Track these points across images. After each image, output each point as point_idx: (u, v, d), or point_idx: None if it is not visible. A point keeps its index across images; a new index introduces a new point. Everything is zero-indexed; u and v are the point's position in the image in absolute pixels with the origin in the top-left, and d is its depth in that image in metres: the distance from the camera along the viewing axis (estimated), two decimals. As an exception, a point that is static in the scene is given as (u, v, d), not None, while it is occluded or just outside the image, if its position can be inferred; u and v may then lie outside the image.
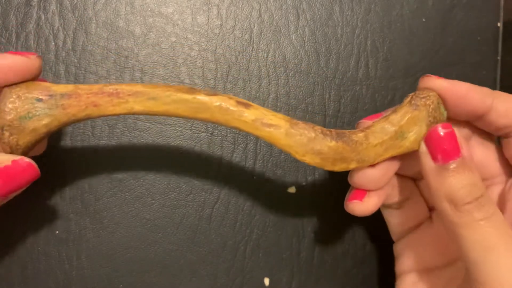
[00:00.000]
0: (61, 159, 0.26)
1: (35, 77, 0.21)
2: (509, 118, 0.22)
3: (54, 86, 0.20)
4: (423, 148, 0.21)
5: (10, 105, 0.20)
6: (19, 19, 0.26)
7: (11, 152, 0.20)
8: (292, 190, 0.28)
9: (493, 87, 0.31)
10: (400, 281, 0.25)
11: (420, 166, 0.21)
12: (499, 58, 0.31)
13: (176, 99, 0.20)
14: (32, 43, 0.26)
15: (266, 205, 0.28)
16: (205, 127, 0.27)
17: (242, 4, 0.28)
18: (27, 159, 0.20)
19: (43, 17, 0.26)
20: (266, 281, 0.28)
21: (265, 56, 0.28)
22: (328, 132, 0.21)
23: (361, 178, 0.22)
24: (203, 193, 0.27)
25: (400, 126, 0.21)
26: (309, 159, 0.21)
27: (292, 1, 0.29)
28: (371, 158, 0.22)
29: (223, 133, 0.28)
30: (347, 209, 0.23)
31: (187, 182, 0.27)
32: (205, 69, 0.28)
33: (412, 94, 0.22)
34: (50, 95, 0.20)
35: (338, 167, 0.21)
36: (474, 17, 0.31)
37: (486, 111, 0.22)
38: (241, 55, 0.28)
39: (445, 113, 0.22)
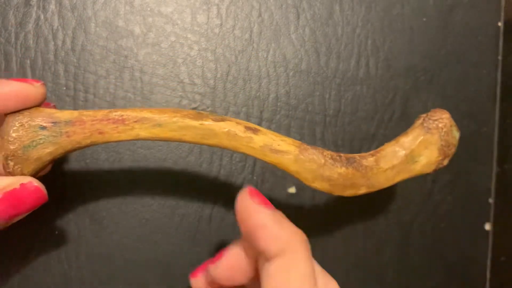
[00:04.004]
0: (60, 159, 0.26)
1: (39, 104, 0.20)
2: None
3: (58, 113, 0.20)
4: None
5: (13, 134, 0.19)
6: (18, 18, 0.26)
7: None
8: (292, 190, 0.28)
9: (494, 87, 0.31)
10: None
11: None
12: (499, 57, 0.31)
13: (182, 125, 0.20)
14: (31, 42, 0.26)
15: (266, 205, 0.28)
16: (205, 127, 0.27)
17: (242, 3, 0.28)
18: (36, 183, 0.19)
19: (42, 17, 0.26)
20: (266, 281, 0.28)
21: (265, 55, 0.28)
22: (337, 158, 0.21)
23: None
24: (203, 193, 0.27)
25: (411, 150, 0.21)
26: (318, 186, 0.21)
27: (292, 0, 0.28)
28: (381, 183, 0.22)
29: (223, 133, 0.27)
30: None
31: (187, 182, 0.27)
32: (205, 68, 0.27)
33: (424, 115, 0.22)
34: (54, 123, 0.20)
35: (348, 193, 0.21)
36: (475, 16, 0.31)
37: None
38: (241, 54, 0.28)
39: (457, 135, 0.22)
